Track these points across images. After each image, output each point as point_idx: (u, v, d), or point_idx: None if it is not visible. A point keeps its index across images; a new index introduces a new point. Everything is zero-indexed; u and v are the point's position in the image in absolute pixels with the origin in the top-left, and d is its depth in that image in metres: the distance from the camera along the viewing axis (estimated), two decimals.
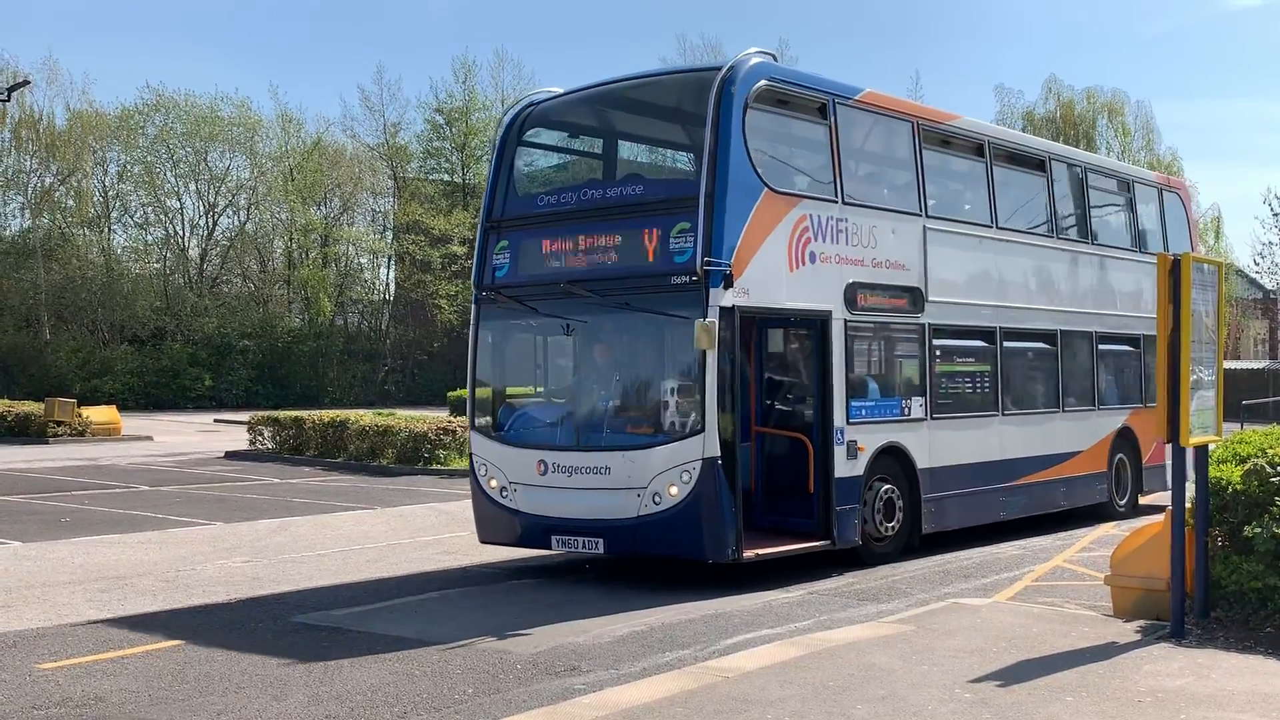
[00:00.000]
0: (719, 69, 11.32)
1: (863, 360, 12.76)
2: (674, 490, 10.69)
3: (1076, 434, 15.75)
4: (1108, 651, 8.03)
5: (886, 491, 12.48)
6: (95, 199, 53.14)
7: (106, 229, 54.07)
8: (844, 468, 11.90)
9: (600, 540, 11.05)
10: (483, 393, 12.55)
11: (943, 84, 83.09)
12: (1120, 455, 16.61)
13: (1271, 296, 62.10)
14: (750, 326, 12.09)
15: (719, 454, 10.63)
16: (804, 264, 11.69)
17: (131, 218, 55.40)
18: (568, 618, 9.70)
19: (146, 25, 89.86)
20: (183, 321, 51.09)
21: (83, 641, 9.11)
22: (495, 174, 12.55)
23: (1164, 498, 16.66)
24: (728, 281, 10.73)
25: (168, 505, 17.96)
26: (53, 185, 52.48)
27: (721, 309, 10.68)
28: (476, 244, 12.74)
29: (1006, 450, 14.40)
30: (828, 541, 11.76)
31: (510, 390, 12.81)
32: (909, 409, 13.00)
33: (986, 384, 14.43)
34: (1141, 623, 8.91)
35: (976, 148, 14.62)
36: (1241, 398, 37.56)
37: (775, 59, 12.03)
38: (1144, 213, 18.03)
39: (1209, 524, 8.83)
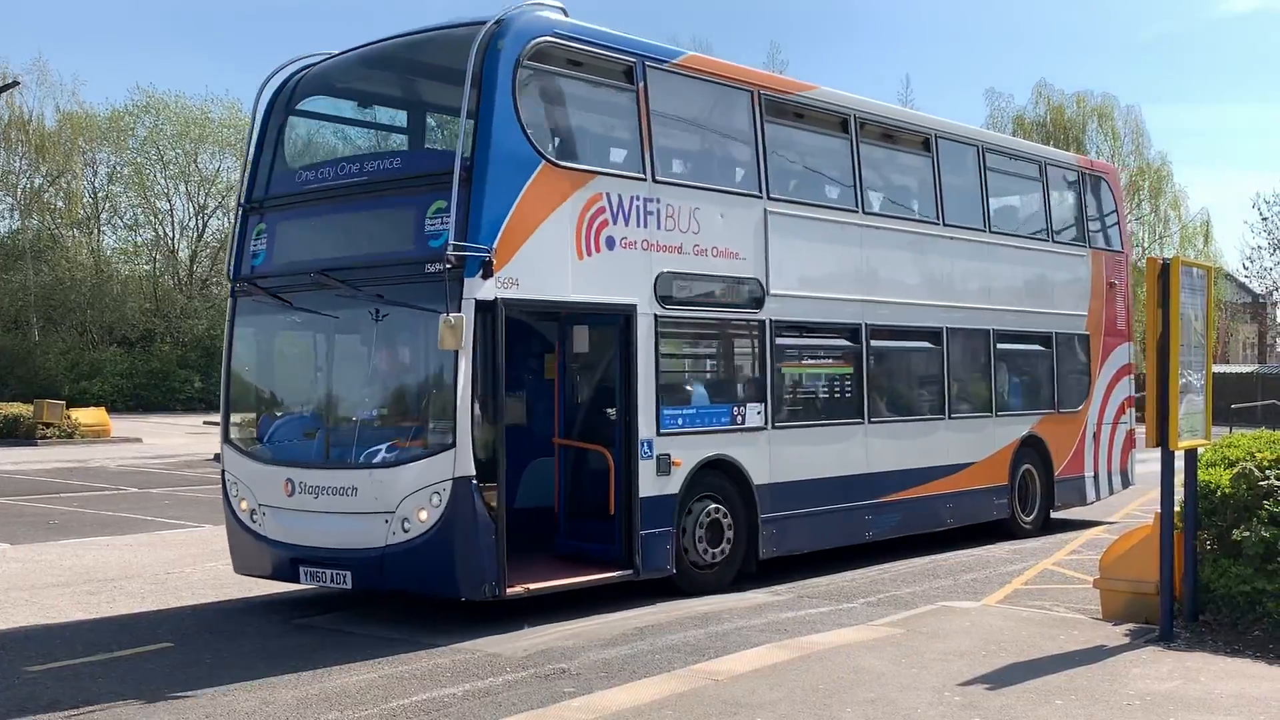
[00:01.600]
0: (486, 23, 9.75)
1: (682, 362, 11.40)
2: (423, 515, 9.09)
3: (968, 444, 14.12)
4: (1096, 655, 8.04)
5: (712, 512, 10.94)
6: (85, 200, 52.96)
7: (96, 230, 53.90)
8: (652, 485, 10.35)
9: (348, 574, 9.43)
10: (236, 400, 11.02)
11: (933, 88, 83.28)
12: (1026, 467, 15.00)
13: (1260, 301, 62.37)
14: (545, 324, 11.07)
15: (473, 473, 9.06)
16: (597, 250, 10.13)
17: (121, 219, 55.27)
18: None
19: (136, 26, 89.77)
20: (172, 323, 50.92)
21: (71, 643, 9.07)
22: (258, 149, 10.92)
23: (1083, 513, 16.45)
24: (487, 270, 9.20)
25: (157, 507, 17.91)
26: (42, 186, 52.26)
27: (479, 302, 9.15)
28: (234, 228, 11.10)
29: (874, 463, 12.75)
30: (629, 571, 10.21)
31: (271, 397, 11.15)
32: (742, 417, 11.35)
33: (849, 388, 12.82)
34: (1130, 626, 8.93)
35: (840, 122, 12.91)
36: (1230, 402, 37.66)
37: (566, 13, 10.36)
38: (1060, 199, 16.47)
39: (1197, 527, 8.86)
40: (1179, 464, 8.78)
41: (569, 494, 10.86)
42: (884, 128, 13.70)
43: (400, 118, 12.49)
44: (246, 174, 11.07)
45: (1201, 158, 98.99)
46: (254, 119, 11.10)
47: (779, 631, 9.20)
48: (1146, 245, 52.09)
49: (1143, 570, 8.98)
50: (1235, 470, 8.78)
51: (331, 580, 9.54)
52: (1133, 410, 17.10)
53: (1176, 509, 8.74)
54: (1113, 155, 52.70)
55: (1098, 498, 16.36)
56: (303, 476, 9.78)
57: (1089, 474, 16.09)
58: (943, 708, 6.76)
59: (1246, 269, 55.69)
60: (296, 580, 9.92)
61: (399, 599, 10.20)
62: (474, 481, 9.08)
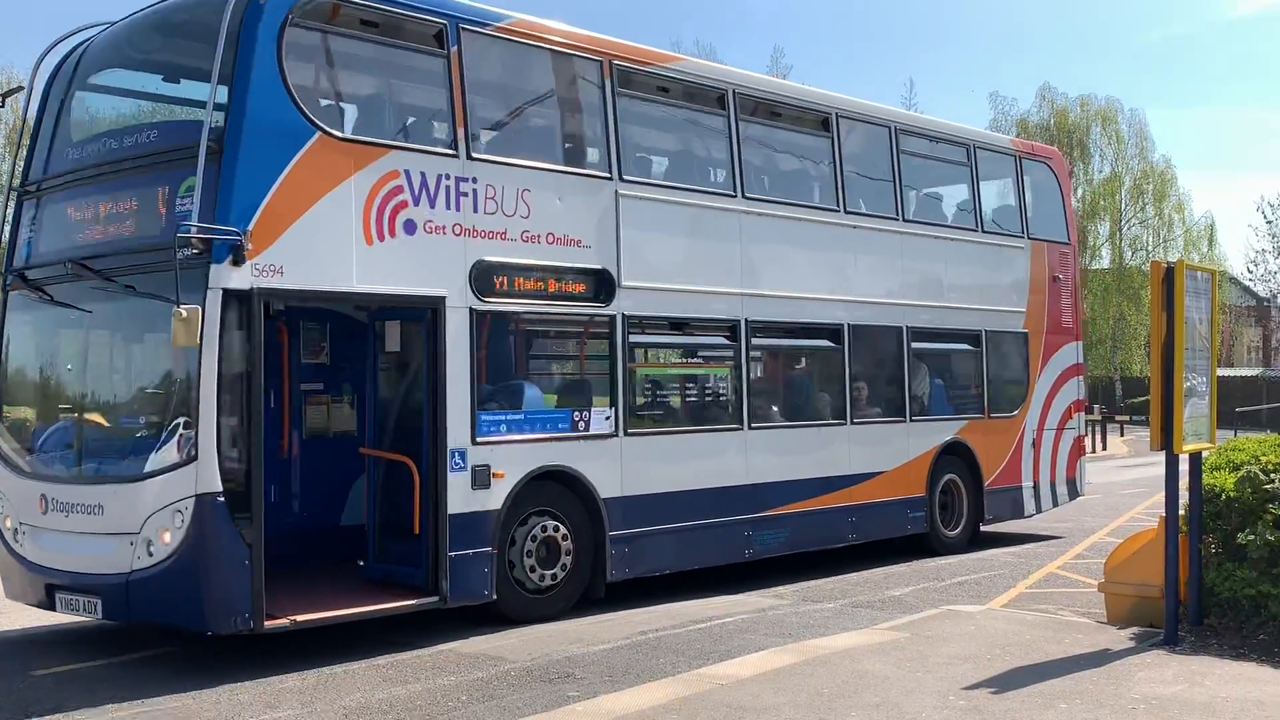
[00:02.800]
0: None
1: (507, 361, 10.28)
2: (167, 537, 8.02)
3: (875, 452, 12.86)
4: (1101, 658, 8.03)
5: (547, 529, 9.88)
6: None
7: None
8: (465, 500, 9.26)
9: (99, 601, 8.41)
10: (8, 405, 9.93)
11: (938, 91, 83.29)
12: (950, 477, 13.78)
13: (1265, 304, 62.31)
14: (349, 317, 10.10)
15: (219, 488, 7.97)
16: (392, 235, 9.02)
17: None
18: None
19: None
20: None
21: (77, 646, 9.08)
22: (37, 127, 9.95)
23: (1021, 526, 15.29)
24: (239, 255, 8.07)
25: None
26: None
27: (229, 292, 8.04)
28: (10, 215, 10.02)
29: (756, 473, 11.53)
30: (433, 598, 9.13)
31: (39, 402, 9.94)
32: (585, 422, 10.21)
33: (724, 390, 11.73)
34: (1135, 629, 8.92)
35: (715, 99, 11.71)
36: (1235, 405, 37.69)
37: None
38: (993, 186, 15.25)
39: (1202, 531, 8.85)
40: (1184, 467, 8.77)
41: (378, 510, 9.67)
42: (771, 105, 12.53)
43: (193, 89, 10.74)
44: (25, 157, 10.13)
45: (1206, 161, 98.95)
46: (29, 94, 10.22)
47: (783, 635, 9.19)
48: (1151, 249, 52.10)
49: (1147, 574, 8.97)
50: (1240, 474, 8.77)
51: (84, 609, 8.56)
52: (1082, 415, 16.08)
53: (1181, 513, 8.73)
54: (1117, 158, 52.78)
55: (1038, 510, 15.11)
56: (55, 492, 8.82)
57: (1027, 484, 14.82)
58: (947, 712, 6.75)
59: (1251, 273, 55.69)
60: (54, 608, 8.86)
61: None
62: (220, 499, 7.98)
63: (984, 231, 14.47)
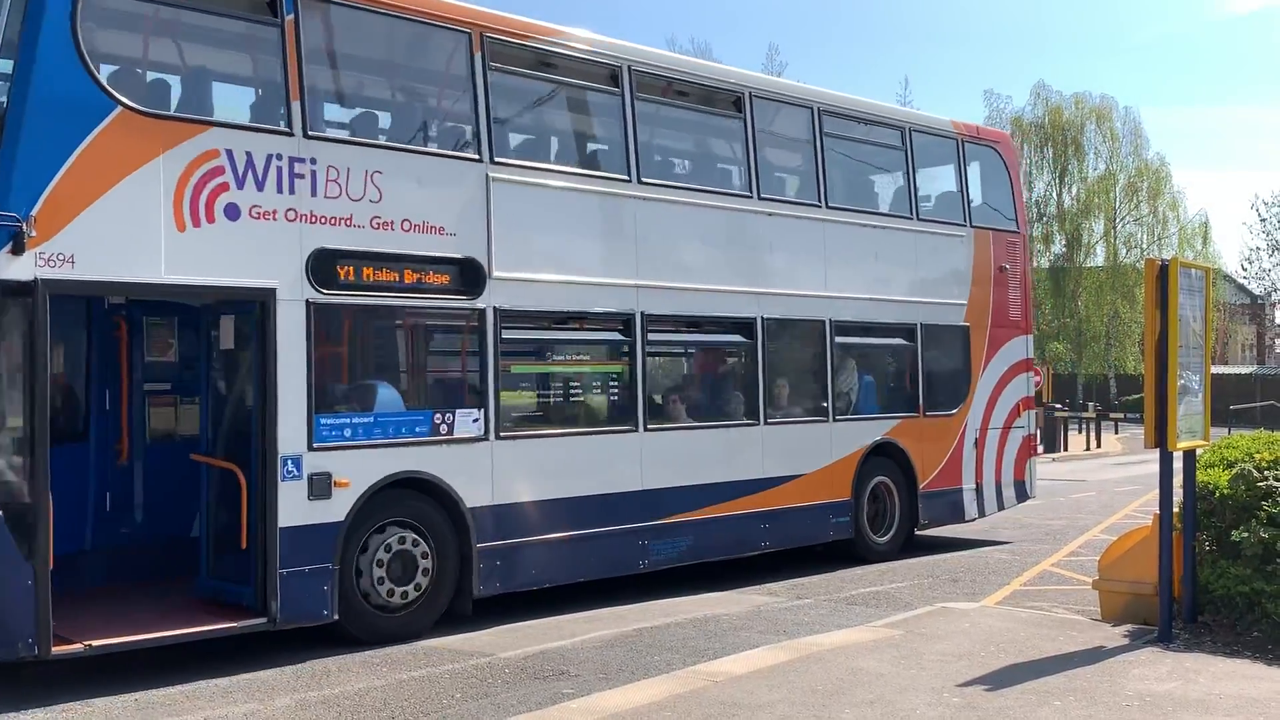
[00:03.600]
0: None
1: (353, 359, 9.41)
2: None
3: (793, 453, 12.06)
4: (1095, 655, 8.04)
5: (401, 542, 9.06)
6: None
7: None
8: (301, 512, 8.48)
9: None
10: None
11: (932, 89, 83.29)
12: (880, 479, 12.99)
13: (1259, 302, 62.44)
14: (195, 313, 9.26)
15: None
16: (210, 221, 8.20)
17: None
18: None
19: None
20: None
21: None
22: None
23: (963, 530, 14.59)
24: (18, 243, 7.30)
25: None
26: None
27: (7, 284, 7.30)
28: None
29: (653, 478, 10.74)
30: (261, 619, 8.35)
31: None
32: (449, 426, 9.37)
33: (617, 390, 10.87)
34: (1129, 627, 8.93)
35: (608, 75, 10.88)
36: (1229, 403, 37.77)
37: None
38: (932, 171, 14.38)
39: (1196, 528, 8.87)
40: (1178, 465, 8.77)
41: (210, 522, 8.95)
42: (673, 84, 11.64)
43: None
44: None
45: (1200, 159, 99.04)
46: None
47: (777, 632, 9.19)
48: (1145, 247, 52.19)
49: (1141, 571, 8.98)
50: (1234, 471, 8.78)
51: None
52: (1032, 413, 15.18)
53: (1175, 510, 8.74)
54: (1111, 156, 52.83)
55: (981, 514, 14.30)
56: None
57: (968, 486, 13.99)
58: (942, 709, 6.76)
59: (1245, 270, 55.84)
60: None
61: None
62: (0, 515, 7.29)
63: (920, 219, 13.66)
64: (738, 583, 11.34)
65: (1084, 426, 36.12)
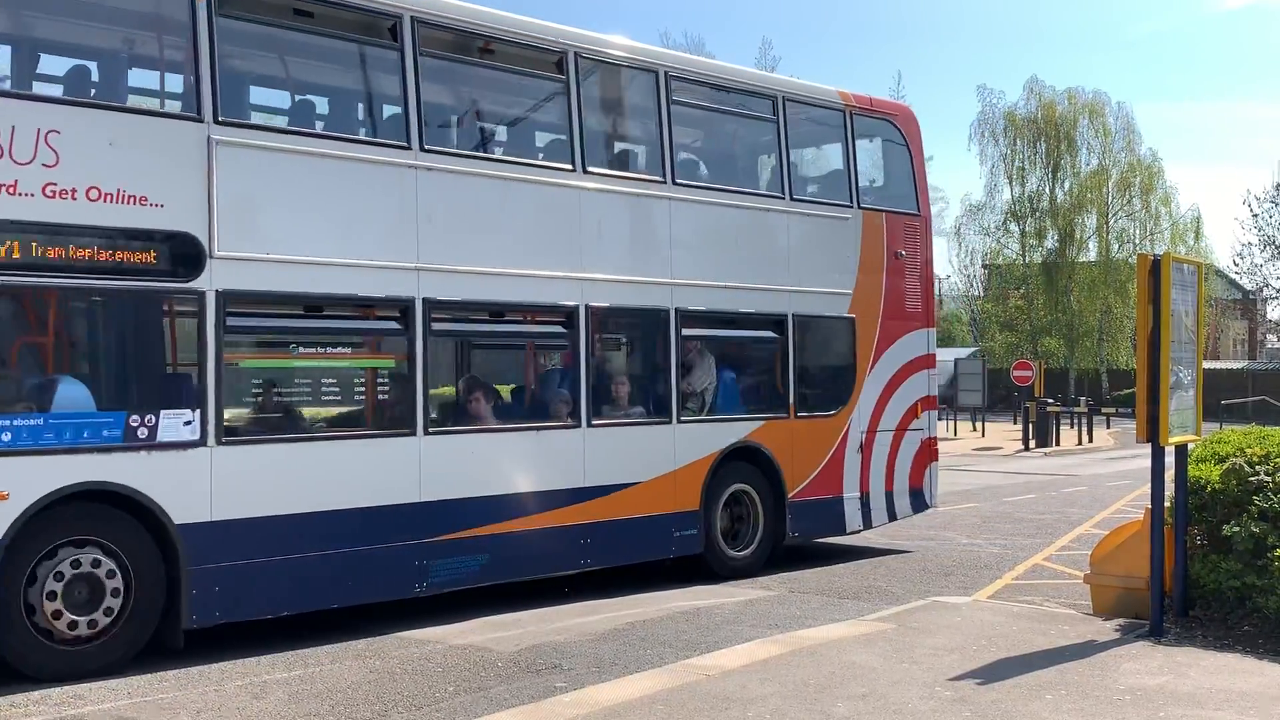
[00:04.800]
0: None
1: (26, 350, 8.02)
2: None
3: (625, 458, 10.65)
4: (1087, 650, 8.07)
5: (81, 564, 7.70)
6: None
7: None
8: None
9: None
10: None
11: (925, 84, 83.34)
12: (738, 487, 11.52)
13: (1250, 297, 62.50)
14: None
15: None
16: None
17: None
18: None
19: None
20: None
21: None
22: None
23: (850, 542, 13.17)
24: None
25: None
26: None
27: None
28: None
29: (436, 487, 9.36)
30: None
31: None
32: (150, 429, 7.94)
33: (388, 388, 9.57)
34: (1121, 621, 8.95)
35: (387, 28, 9.46)
36: (1221, 398, 37.84)
37: None
38: (810, 147, 13.13)
39: (1188, 523, 8.89)
40: (1169, 460, 8.80)
41: None
42: (473, 39, 10.14)
43: None
44: None
45: (1192, 155, 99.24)
46: None
47: (770, 626, 9.21)
48: (1137, 242, 52.32)
49: (1133, 566, 9.00)
50: (1225, 466, 8.81)
51: None
52: (933, 414, 13.53)
53: (1167, 504, 8.77)
54: (1104, 152, 52.95)
55: (867, 525, 12.77)
56: None
57: (851, 495, 12.50)
58: (934, 702, 6.77)
59: (1237, 265, 55.76)
60: None
61: None
62: None
63: (793, 199, 12.11)
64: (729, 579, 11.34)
65: (1076, 421, 36.20)
